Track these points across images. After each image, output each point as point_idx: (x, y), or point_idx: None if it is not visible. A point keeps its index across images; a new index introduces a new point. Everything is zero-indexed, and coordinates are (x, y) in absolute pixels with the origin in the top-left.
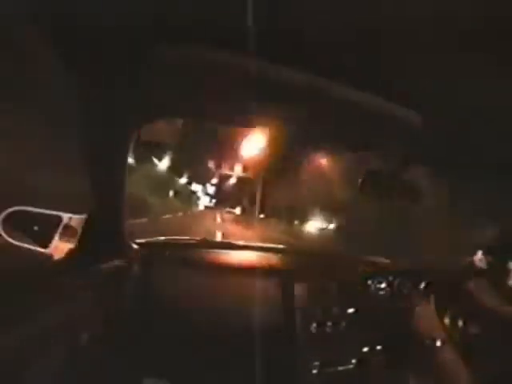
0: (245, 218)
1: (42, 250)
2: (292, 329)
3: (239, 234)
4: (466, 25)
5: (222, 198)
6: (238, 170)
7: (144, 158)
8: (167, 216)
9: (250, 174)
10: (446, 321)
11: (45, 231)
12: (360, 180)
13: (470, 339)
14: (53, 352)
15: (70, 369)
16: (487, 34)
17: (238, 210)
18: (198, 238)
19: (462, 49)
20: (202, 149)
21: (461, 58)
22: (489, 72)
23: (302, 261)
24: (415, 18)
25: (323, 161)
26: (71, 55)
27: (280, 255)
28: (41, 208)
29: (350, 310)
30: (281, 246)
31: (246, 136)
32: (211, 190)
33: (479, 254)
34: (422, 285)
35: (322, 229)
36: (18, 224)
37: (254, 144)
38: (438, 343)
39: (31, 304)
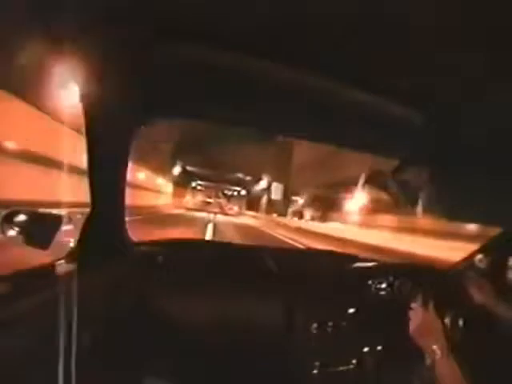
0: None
1: (42, 250)
2: (292, 329)
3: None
4: (468, 24)
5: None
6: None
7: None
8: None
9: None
10: (446, 321)
11: (45, 231)
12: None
13: (469, 339)
14: (52, 352)
15: (70, 369)
16: (489, 32)
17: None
18: (198, 238)
19: (464, 48)
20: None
21: (463, 57)
22: (491, 70)
23: (303, 260)
24: (417, 16)
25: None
26: (71, 55)
27: (280, 255)
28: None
29: (350, 310)
30: (281, 246)
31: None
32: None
33: (479, 253)
34: (422, 285)
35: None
36: (18, 224)
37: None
38: (438, 343)
39: (31, 304)
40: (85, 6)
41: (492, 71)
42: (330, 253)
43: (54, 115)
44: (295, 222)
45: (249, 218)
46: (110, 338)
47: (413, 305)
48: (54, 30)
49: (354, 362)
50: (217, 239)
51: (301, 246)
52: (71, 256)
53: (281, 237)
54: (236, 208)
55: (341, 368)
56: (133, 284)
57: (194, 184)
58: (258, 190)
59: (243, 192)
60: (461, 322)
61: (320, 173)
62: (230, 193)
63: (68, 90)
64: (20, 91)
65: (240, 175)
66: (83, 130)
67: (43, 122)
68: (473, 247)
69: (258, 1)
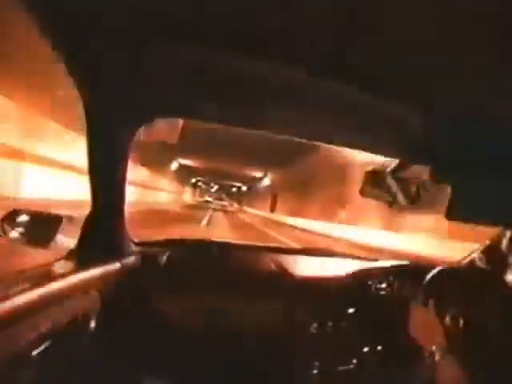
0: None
1: (42, 250)
2: (292, 329)
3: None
4: (468, 22)
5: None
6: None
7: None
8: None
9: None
10: (446, 321)
11: (45, 231)
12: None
13: (470, 339)
14: (53, 352)
15: (70, 369)
16: (490, 31)
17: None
18: (198, 238)
19: (464, 46)
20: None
21: (462, 55)
22: (491, 69)
23: (302, 261)
24: (417, 14)
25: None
26: (71, 54)
27: (280, 255)
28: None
29: (350, 310)
30: (281, 246)
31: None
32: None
33: (479, 253)
34: (422, 285)
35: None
36: (18, 224)
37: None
38: (438, 343)
39: (31, 304)
40: (85, 6)
41: (493, 71)
42: (329, 253)
43: (54, 116)
44: (295, 220)
45: (248, 216)
46: (109, 338)
47: (413, 305)
48: (54, 30)
49: (354, 361)
50: (214, 238)
51: (299, 246)
52: (71, 256)
53: (279, 236)
54: (236, 205)
55: (341, 368)
56: (133, 284)
57: (194, 182)
58: (260, 187)
59: (244, 188)
60: (461, 322)
61: None
62: (232, 190)
63: (68, 91)
64: (20, 92)
65: (240, 174)
66: (84, 130)
67: (43, 123)
68: (473, 247)
69: (258, 1)
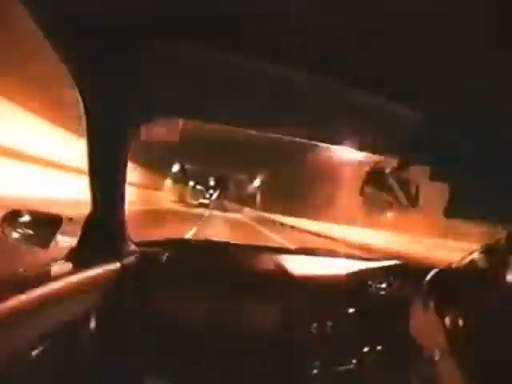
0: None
1: (42, 250)
2: (292, 329)
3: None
4: (468, 22)
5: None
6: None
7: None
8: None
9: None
10: (446, 321)
11: (45, 231)
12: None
13: (470, 339)
14: (53, 352)
15: (70, 369)
16: (489, 30)
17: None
18: (198, 238)
19: (464, 46)
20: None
21: (462, 55)
22: (490, 69)
23: (302, 261)
24: (417, 15)
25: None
26: (71, 55)
27: (280, 255)
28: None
29: (350, 310)
30: (281, 246)
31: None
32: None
33: (479, 253)
34: (422, 285)
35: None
36: (18, 224)
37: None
38: (438, 343)
39: (32, 304)
40: (85, 7)
41: (492, 71)
42: (329, 253)
43: (54, 116)
44: (291, 220)
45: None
46: (110, 338)
47: (413, 305)
48: (54, 31)
49: (354, 361)
50: (213, 236)
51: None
52: (71, 256)
53: (275, 236)
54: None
55: (341, 368)
56: (133, 284)
57: (192, 184)
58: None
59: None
60: (461, 322)
61: None
62: (230, 191)
63: (68, 92)
64: (20, 93)
65: (240, 174)
66: (83, 130)
67: (43, 123)
68: (473, 247)
69: (257, 1)
